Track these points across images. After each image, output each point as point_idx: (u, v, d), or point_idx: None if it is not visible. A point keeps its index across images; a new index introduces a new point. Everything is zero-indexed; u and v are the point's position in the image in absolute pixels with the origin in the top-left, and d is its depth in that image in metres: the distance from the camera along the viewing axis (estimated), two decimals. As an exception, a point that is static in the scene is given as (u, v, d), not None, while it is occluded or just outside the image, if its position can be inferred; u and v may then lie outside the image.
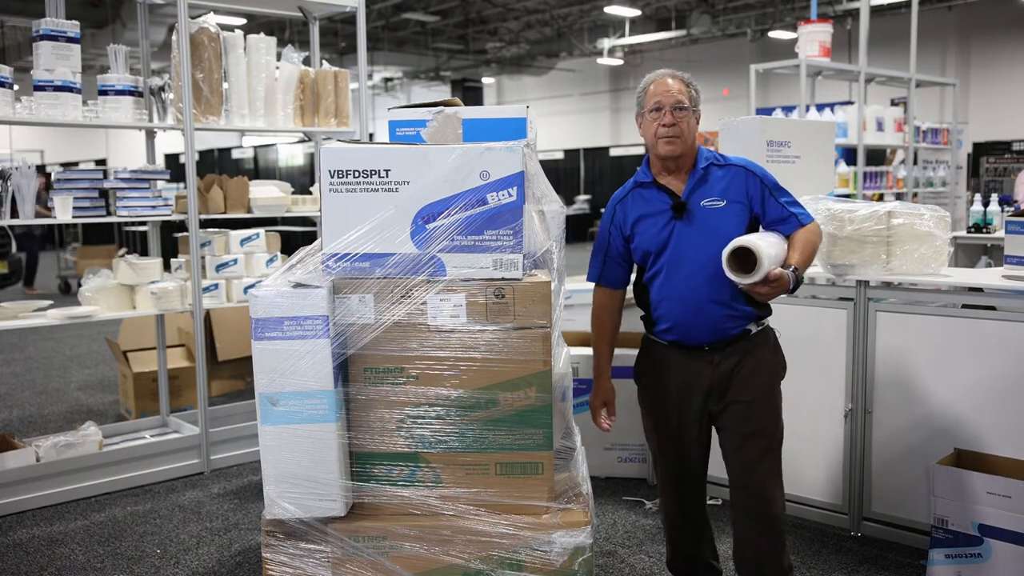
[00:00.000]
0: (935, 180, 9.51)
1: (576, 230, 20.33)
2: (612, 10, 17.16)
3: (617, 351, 4.34)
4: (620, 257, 2.76)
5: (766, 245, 2.49)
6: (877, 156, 9.33)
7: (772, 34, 18.01)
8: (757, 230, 2.69)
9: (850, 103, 8.30)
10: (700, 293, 2.60)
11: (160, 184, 4.54)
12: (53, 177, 4.27)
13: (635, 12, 17.61)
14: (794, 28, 11.07)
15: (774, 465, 2.69)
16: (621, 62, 21.03)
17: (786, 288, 2.52)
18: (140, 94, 4.42)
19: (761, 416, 2.67)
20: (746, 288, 2.52)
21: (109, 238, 15.40)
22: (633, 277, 2.84)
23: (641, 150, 21.42)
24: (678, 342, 2.68)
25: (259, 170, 21.90)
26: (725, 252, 2.49)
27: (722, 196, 2.62)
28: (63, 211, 4.18)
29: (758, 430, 2.66)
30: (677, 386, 2.71)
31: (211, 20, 4.47)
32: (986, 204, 5.82)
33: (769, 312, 2.73)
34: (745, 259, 2.47)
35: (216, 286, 4.63)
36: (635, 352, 4.27)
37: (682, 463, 2.78)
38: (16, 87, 4.30)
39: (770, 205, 2.66)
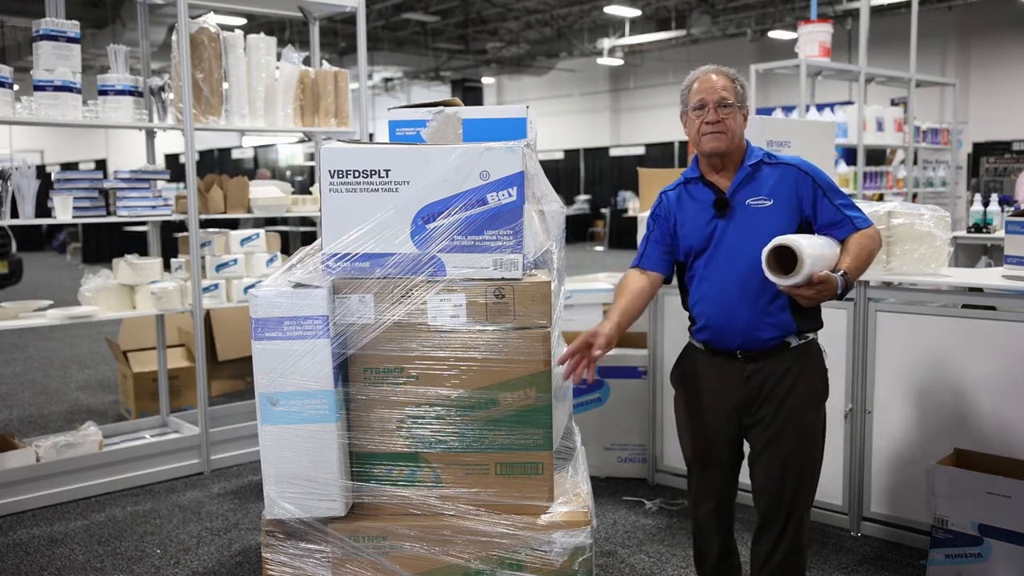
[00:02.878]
0: (935, 180, 9.51)
1: (576, 230, 20.33)
2: (612, 10, 17.15)
3: (618, 351, 4.37)
4: (661, 246, 2.64)
5: (809, 244, 2.34)
6: (877, 156, 9.33)
7: (772, 34, 18.00)
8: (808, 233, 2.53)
9: (850, 103, 8.30)
10: (734, 294, 2.48)
11: (160, 184, 4.54)
12: (54, 177, 4.27)
13: (635, 12, 17.60)
14: (794, 28, 11.07)
15: (801, 493, 2.54)
16: (621, 62, 20.98)
17: (833, 292, 2.35)
18: (140, 94, 4.42)
19: (791, 440, 2.51)
20: (787, 291, 2.36)
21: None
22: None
23: (641, 150, 21.41)
24: (710, 343, 2.57)
25: (259, 170, 21.90)
26: (765, 251, 2.35)
27: (770, 195, 2.49)
28: (63, 211, 4.18)
29: (786, 456, 2.51)
30: (709, 395, 2.60)
31: (211, 20, 4.47)
32: (986, 204, 5.83)
33: (816, 326, 2.58)
34: (787, 259, 2.33)
35: (216, 286, 4.63)
36: (636, 352, 4.30)
37: (711, 476, 2.67)
38: (16, 87, 4.30)
39: (823, 207, 2.50)
